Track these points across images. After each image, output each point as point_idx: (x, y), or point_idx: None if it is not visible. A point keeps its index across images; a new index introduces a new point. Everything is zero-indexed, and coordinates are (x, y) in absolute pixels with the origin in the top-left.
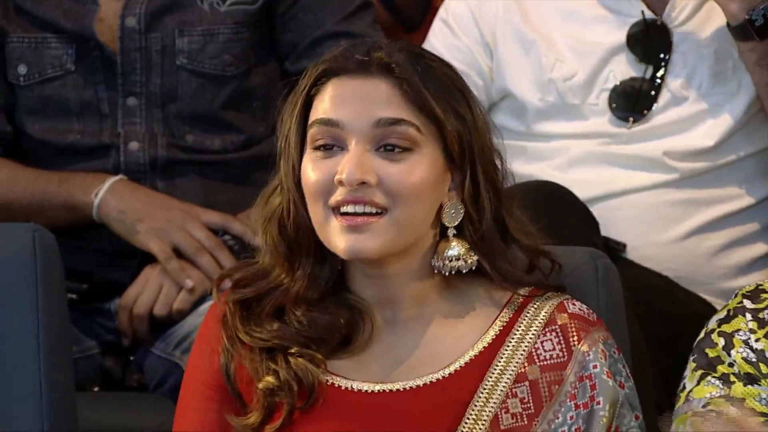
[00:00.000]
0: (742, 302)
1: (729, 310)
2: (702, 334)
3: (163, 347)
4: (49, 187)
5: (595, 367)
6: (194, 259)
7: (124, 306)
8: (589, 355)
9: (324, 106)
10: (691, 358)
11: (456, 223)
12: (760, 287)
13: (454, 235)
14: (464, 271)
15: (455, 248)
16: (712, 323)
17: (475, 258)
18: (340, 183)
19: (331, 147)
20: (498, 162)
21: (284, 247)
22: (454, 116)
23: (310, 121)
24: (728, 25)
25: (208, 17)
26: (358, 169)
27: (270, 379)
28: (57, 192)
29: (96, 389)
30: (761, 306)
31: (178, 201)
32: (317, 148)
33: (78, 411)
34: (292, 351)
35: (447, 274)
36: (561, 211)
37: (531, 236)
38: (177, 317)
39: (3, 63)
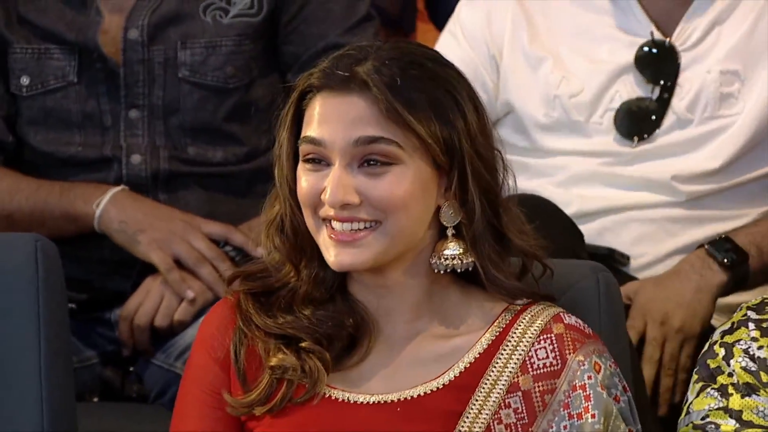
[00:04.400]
0: (746, 314)
1: (733, 323)
2: (706, 347)
3: (163, 358)
4: (51, 197)
5: (589, 378)
6: (195, 270)
7: (124, 316)
8: (583, 365)
9: (311, 124)
10: (695, 370)
11: (454, 223)
12: (766, 300)
13: (453, 235)
14: (459, 270)
15: (452, 248)
16: (716, 335)
17: (471, 260)
18: (326, 203)
19: (319, 161)
20: (498, 162)
21: (287, 251)
22: (440, 124)
23: (301, 136)
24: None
25: (210, 29)
26: (339, 192)
27: (282, 356)
28: (58, 202)
29: (96, 399)
30: (766, 317)
31: (180, 212)
32: (307, 161)
33: (78, 421)
34: (304, 345)
35: (442, 272)
36: (545, 224)
37: (526, 236)
38: (178, 328)
39: (6, 73)
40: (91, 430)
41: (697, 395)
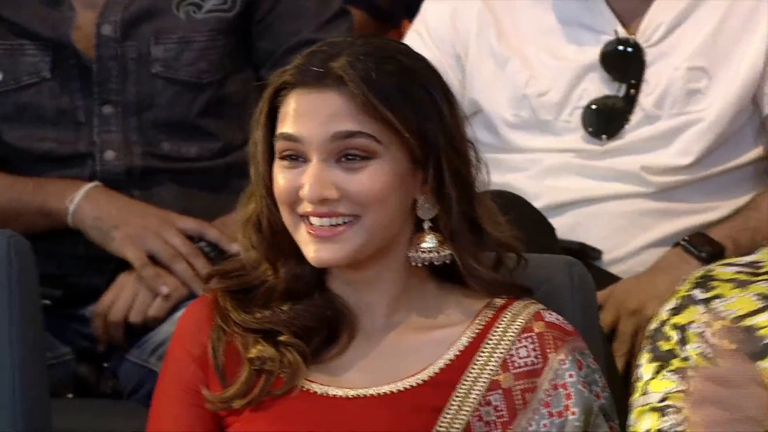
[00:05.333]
0: (692, 291)
1: (679, 299)
2: (654, 324)
3: (138, 354)
4: (24, 194)
5: (571, 376)
6: (170, 266)
7: (99, 312)
8: (564, 363)
9: (286, 120)
10: (645, 348)
11: (430, 216)
12: (708, 274)
13: (430, 228)
14: (437, 263)
15: (429, 241)
16: (663, 313)
17: (448, 252)
18: (304, 198)
19: (296, 158)
20: (471, 155)
21: (264, 248)
22: (415, 118)
23: (276, 133)
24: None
25: (184, 25)
26: (318, 186)
27: (261, 347)
28: (32, 198)
29: (70, 396)
30: (711, 294)
31: (154, 208)
32: (283, 158)
33: (52, 418)
34: (283, 338)
35: (420, 264)
36: (517, 218)
37: (500, 226)
38: (152, 324)
39: None
40: (66, 427)
41: (654, 376)
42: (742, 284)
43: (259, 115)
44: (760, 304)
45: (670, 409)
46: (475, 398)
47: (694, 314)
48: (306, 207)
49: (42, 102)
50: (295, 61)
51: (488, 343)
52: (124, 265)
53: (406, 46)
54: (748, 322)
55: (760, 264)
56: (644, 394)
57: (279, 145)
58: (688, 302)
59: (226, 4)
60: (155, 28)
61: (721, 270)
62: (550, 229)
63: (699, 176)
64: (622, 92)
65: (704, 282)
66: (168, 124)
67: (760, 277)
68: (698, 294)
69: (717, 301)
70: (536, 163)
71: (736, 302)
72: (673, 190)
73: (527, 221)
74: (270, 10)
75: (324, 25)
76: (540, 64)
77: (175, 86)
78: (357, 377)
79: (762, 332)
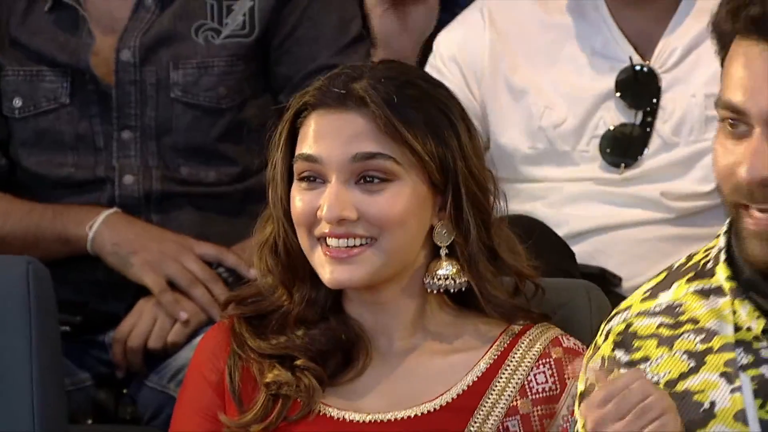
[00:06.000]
0: (614, 352)
1: (604, 361)
2: (581, 385)
3: (157, 380)
4: (44, 221)
5: None
6: (188, 292)
7: (118, 338)
8: None
9: (306, 141)
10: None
11: (447, 243)
12: (629, 330)
13: (447, 255)
14: (452, 291)
15: (446, 267)
16: (590, 374)
17: (465, 279)
18: (322, 218)
19: (314, 179)
20: (490, 183)
21: (279, 272)
22: (435, 143)
23: (295, 154)
24: None
25: (202, 50)
26: (337, 206)
27: (277, 372)
28: (51, 225)
29: (89, 422)
30: (637, 357)
31: (172, 233)
32: (302, 179)
33: None
34: (298, 362)
35: (436, 291)
36: (537, 244)
37: (518, 256)
38: (171, 350)
39: None
40: None
41: None
42: (666, 341)
43: (279, 137)
44: (691, 364)
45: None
46: (493, 424)
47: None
48: (323, 228)
49: (61, 127)
50: (317, 83)
51: (506, 369)
52: (143, 291)
53: (426, 73)
54: (681, 386)
55: (678, 309)
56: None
57: (298, 166)
58: (612, 365)
59: (244, 29)
60: (174, 53)
61: (640, 324)
62: (571, 255)
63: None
64: (638, 119)
65: (626, 341)
66: (186, 148)
67: (682, 328)
68: (622, 356)
69: (644, 365)
70: (555, 191)
71: (664, 364)
72: (693, 216)
73: (547, 247)
74: (288, 36)
75: (342, 50)
76: (555, 94)
77: (193, 111)
78: (374, 401)
79: (698, 397)
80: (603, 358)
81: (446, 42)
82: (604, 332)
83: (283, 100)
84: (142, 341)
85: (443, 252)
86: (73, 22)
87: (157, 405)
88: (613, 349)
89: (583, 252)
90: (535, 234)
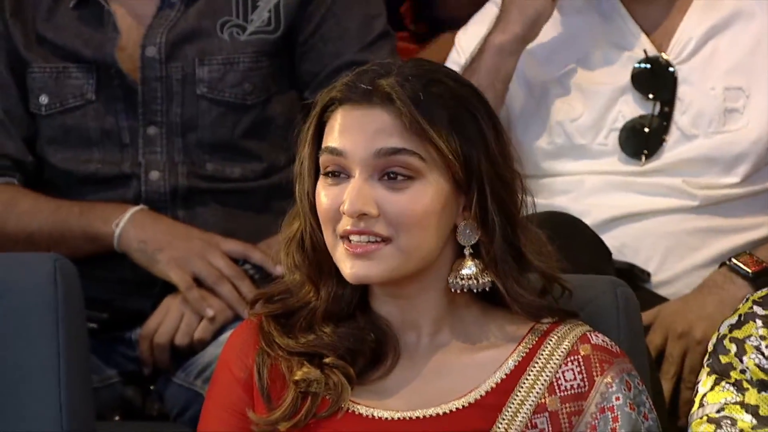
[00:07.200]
0: (752, 308)
1: (740, 315)
2: (714, 339)
3: (184, 376)
4: (70, 218)
5: (617, 399)
6: (215, 288)
7: (145, 335)
8: (612, 386)
9: (332, 135)
10: (706, 363)
11: (471, 242)
12: None
13: (471, 254)
14: (476, 291)
15: (470, 267)
16: (723, 328)
17: (488, 279)
18: (344, 213)
19: (339, 174)
20: (517, 183)
21: (306, 268)
22: (460, 141)
23: (321, 147)
24: None
25: (228, 46)
26: (359, 201)
27: (306, 369)
28: (78, 222)
29: (117, 418)
30: None
31: (199, 230)
32: (327, 174)
33: None
34: (327, 360)
35: (459, 291)
36: (572, 241)
37: (547, 257)
38: (198, 347)
39: (25, 93)
40: None
41: (712, 388)
42: None
43: (307, 132)
44: None
45: (726, 421)
46: (521, 421)
47: (752, 329)
48: (345, 224)
49: (87, 124)
50: (345, 79)
51: (534, 366)
52: (169, 288)
53: (455, 72)
54: None
55: None
56: (701, 406)
57: (323, 160)
58: (747, 318)
59: (270, 26)
60: (199, 49)
61: None
62: (606, 253)
63: (745, 191)
64: (656, 111)
65: (765, 300)
66: (212, 144)
67: None
68: (759, 310)
69: None
70: (577, 185)
71: None
72: (718, 205)
73: (581, 244)
74: (313, 32)
75: (367, 47)
76: (572, 88)
77: (219, 107)
78: (403, 399)
79: None
80: (740, 315)
81: (467, 38)
82: (747, 300)
83: (309, 97)
84: (169, 338)
85: (467, 251)
86: (98, 17)
87: (184, 401)
88: (750, 306)
89: (611, 247)
90: (569, 231)
